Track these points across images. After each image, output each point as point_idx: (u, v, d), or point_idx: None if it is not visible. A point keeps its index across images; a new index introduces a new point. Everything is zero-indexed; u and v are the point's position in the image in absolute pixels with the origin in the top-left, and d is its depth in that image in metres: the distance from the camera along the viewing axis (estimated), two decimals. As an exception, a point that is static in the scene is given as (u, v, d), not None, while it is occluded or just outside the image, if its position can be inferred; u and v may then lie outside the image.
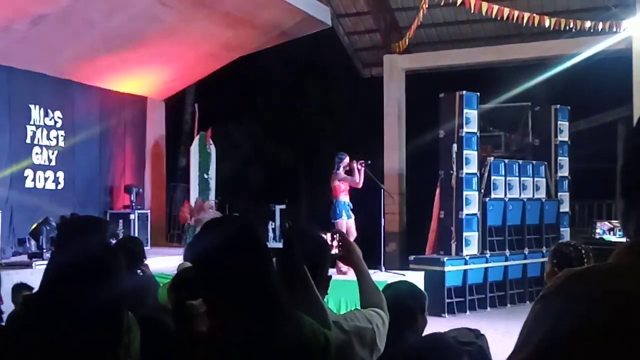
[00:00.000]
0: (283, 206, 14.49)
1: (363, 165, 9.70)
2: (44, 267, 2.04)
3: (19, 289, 5.58)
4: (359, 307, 2.49)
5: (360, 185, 9.69)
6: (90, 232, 3.19)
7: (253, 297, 1.68)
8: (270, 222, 13.73)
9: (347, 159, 9.72)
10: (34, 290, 4.12)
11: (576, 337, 0.89)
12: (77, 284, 1.85)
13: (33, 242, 10.83)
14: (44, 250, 9.75)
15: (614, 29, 12.54)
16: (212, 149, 14.11)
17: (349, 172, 9.66)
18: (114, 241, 8.59)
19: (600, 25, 12.29)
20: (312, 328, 1.83)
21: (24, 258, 9.87)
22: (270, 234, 13.39)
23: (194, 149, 13.86)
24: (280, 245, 2.28)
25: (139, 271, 4.65)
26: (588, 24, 12.17)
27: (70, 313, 1.82)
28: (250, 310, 1.67)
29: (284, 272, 2.08)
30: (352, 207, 9.70)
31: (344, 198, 9.62)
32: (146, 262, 4.84)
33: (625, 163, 1.05)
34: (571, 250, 3.46)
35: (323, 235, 2.50)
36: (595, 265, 1.01)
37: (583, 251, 3.44)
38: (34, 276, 6.66)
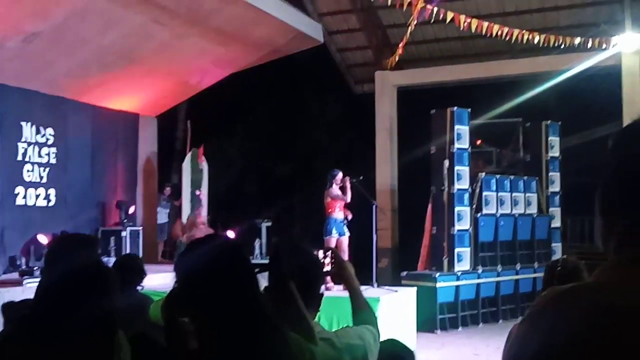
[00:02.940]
0: (269, 223, 14.46)
1: (350, 181, 9.71)
2: (35, 284, 2.05)
3: (10, 307, 5.53)
4: (351, 325, 2.50)
5: (349, 199, 9.70)
6: (80, 251, 3.18)
7: (238, 314, 1.70)
8: (257, 239, 13.70)
9: (340, 175, 9.73)
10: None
11: (569, 352, 0.90)
12: (67, 302, 1.86)
13: (24, 260, 10.80)
14: (34, 268, 9.70)
15: (604, 46, 12.67)
16: (204, 166, 14.11)
17: (343, 188, 9.67)
18: (109, 259, 8.55)
19: (590, 42, 12.42)
20: (298, 344, 1.85)
21: (15, 276, 9.81)
22: (257, 251, 13.36)
23: (186, 165, 13.85)
24: (266, 261, 2.28)
25: (139, 288, 4.65)
26: (578, 40, 12.31)
27: (61, 331, 1.83)
28: (235, 327, 1.69)
29: (270, 288, 2.09)
30: (346, 224, 9.70)
31: (337, 215, 9.61)
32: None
33: (605, 182, 1.06)
34: (557, 265, 3.44)
35: (315, 252, 2.49)
36: (579, 283, 1.04)
37: (559, 267, 3.40)
38: (24, 294, 6.63)
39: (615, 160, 1.07)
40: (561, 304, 0.96)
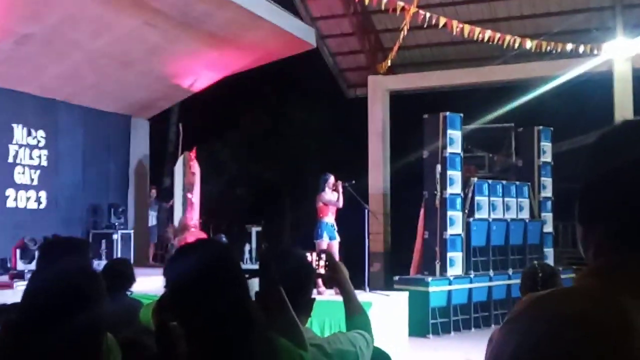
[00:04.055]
0: (259, 228, 14.41)
1: (343, 185, 9.69)
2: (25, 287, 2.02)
3: (1, 310, 5.49)
4: (343, 329, 2.48)
5: (341, 204, 9.69)
6: (71, 255, 3.16)
7: (227, 319, 1.69)
8: (247, 244, 13.65)
9: (332, 180, 9.71)
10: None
11: (539, 352, 0.92)
12: (56, 308, 1.85)
13: (14, 263, 10.74)
14: (25, 271, 9.66)
15: (595, 52, 12.72)
16: (197, 169, 14.07)
17: (335, 192, 9.65)
18: (100, 262, 8.49)
19: (582, 48, 12.47)
20: (287, 349, 1.84)
21: (5, 278, 9.76)
22: (247, 256, 13.31)
23: (178, 168, 13.82)
24: (255, 266, 2.26)
25: (128, 292, 4.63)
26: (569, 46, 12.36)
27: (49, 337, 1.82)
28: (224, 332, 1.68)
29: (260, 293, 2.08)
30: (336, 228, 9.68)
31: (328, 219, 9.59)
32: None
33: (582, 192, 1.09)
34: (537, 271, 3.49)
35: (308, 256, 2.45)
36: (556, 289, 1.07)
37: (540, 273, 3.45)
38: (15, 296, 6.60)
39: (591, 170, 1.09)
40: (537, 308, 0.99)
